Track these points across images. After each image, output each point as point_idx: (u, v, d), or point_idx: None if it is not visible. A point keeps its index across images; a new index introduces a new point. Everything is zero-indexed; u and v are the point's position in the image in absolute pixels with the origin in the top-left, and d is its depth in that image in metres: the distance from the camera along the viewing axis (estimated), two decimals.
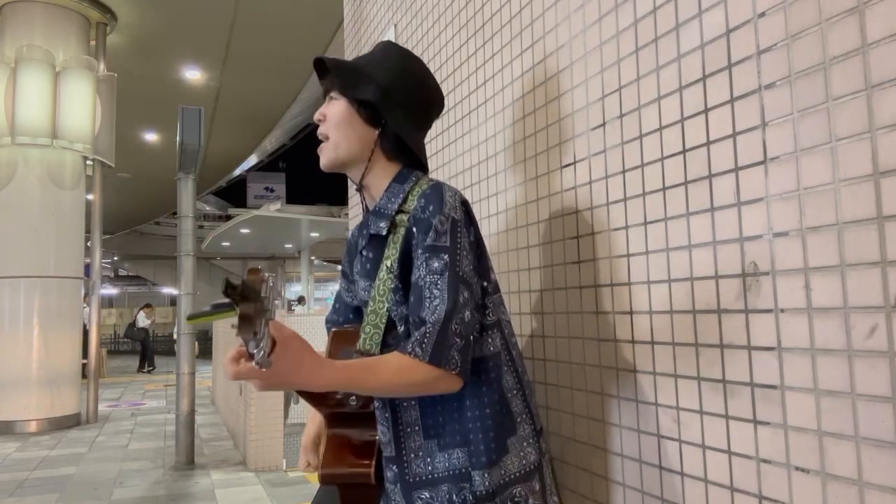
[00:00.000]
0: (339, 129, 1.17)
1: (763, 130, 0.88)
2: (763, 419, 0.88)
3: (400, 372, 0.97)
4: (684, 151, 1.02)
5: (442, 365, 0.97)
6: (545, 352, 1.42)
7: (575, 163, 1.30)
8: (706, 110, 0.98)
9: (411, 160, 1.20)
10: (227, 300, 0.72)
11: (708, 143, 0.97)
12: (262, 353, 0.79)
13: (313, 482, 4.33)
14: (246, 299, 0.72)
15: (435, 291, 1.01)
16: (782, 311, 0.85)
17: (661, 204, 1.07)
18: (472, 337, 1.02)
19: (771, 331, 0.87)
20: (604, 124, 1.21)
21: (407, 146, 1.18)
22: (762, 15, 0.88)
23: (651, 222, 1.09)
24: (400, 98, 1.17)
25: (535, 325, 1.46)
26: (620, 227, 1.17)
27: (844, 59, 0.78)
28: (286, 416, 5.05)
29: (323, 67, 1.20)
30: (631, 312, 1.15)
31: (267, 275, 0.77)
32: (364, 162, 1.17)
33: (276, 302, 0.81)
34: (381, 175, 1.18)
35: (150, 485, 4.41)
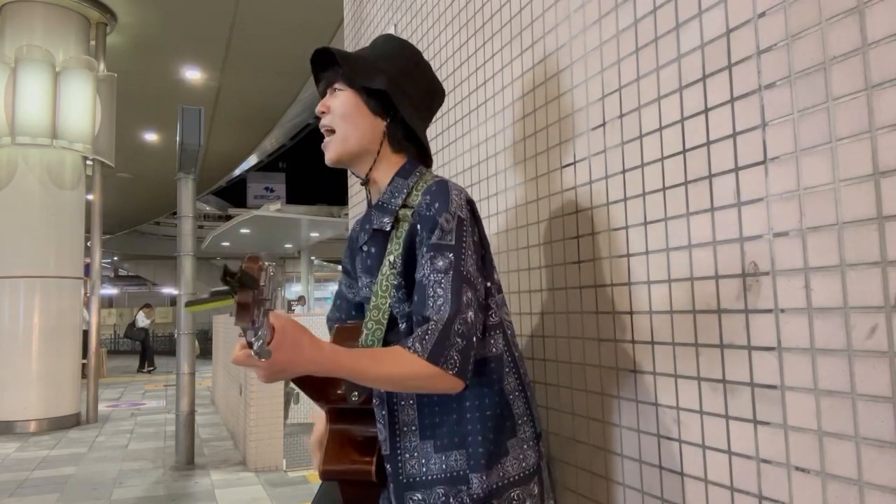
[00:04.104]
0: (346, 120, 1.14)
1: (763, 130, 0.88)
2: (763, 419, 0.88)
3: (400, 365, 0.96)
4: (684, 151, 1.02)
5: (440, 364, 0.95)
6: (545, 352, 1.42)
7: (575, 163, 1.30)
8: (706, 110, 0.98)
9: (416, 152, 1.19)
10: (225, 287, 0.71)
11: (708, 143, 0.97)
12: (261, 342, 0.77)
13: (313, 482, 4.33)
14: (244, 287, 0.70)
15: (439, 291, 1.00)
16: (782, 311, 0.85)
17: (661, 204, 1.07)
18: (474, 338, 1.01)
19: (771, 331, 0.87)
20: (604, 124, 1.21)
21: (413, 137, 1.17)
22: (762, 15, 0.88)
23: (651, 222, 1.09)
24: (408, 88, 1.16)
25: (535, 325, 1.46)
26: (620, 227, 1.17)
27: (844, 59, 0.78)
28: (286, 416, 5.06)
29: (325, 60, 1.18)
30: (631, 312, 1.15)
31: (266, 263, 0.75)
32: (372, 155, 1.15)
33: (277, 290, 0.79)
34: (388, 168, 1.16)
35: (150, 485, 4.41)
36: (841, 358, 0.78)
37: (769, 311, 0.87)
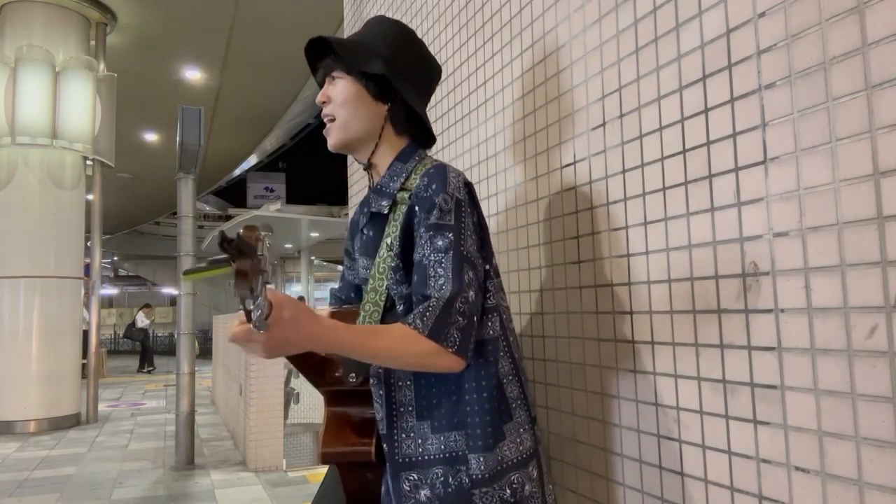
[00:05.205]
0: (346, 107, 1.14)
1: (763, 130, 0.88)
2: (763, 419, 0.88)
3: (401, 341, 0.96)
4: (684, 151, 1.02)
5: (440, 341, 0.96)
6: (545, 352, 1.42)
7: (575, 163, 1.30)
8: (706, 110, 0.98)
9: (419, 133, 1.19)
10: (223, 255, 0.71)
11: (708, 143, 0.97)
12: (259, 313, 0.77)
13: (313, 482, 4.33)
14: (242, 254, 0.70)
15: (439, 270, 1.00)
16: (782, 311, 0.85)
17: (661, 204, 1.07)
18: (475, 318, 1.01)
19: (771, 331, 0.87)
20: (604, 124, 1.21)
21: (414, 119, 1.17)
22: (762, 15, 0.88)
23: (651, 222, 1.09)
24: (406, 69, 1.16)
25: (535, 325, 1.46)
26: (620, 227, 1.17)
27: (844, 59, 0.78)
28: (286, 416, 5.06)
29: (320, 49, 1.18)
30: (631, 312, 1.15)
31: (263, 234, 0.74)
32: (374, 139, 1.16)
33: (274, 263, 0.78)
34: (390, 151, 1.16)
35: (150, 485, 4.41)
36: (841, 358, 0.78)
37: (769, 311, 0.87)
